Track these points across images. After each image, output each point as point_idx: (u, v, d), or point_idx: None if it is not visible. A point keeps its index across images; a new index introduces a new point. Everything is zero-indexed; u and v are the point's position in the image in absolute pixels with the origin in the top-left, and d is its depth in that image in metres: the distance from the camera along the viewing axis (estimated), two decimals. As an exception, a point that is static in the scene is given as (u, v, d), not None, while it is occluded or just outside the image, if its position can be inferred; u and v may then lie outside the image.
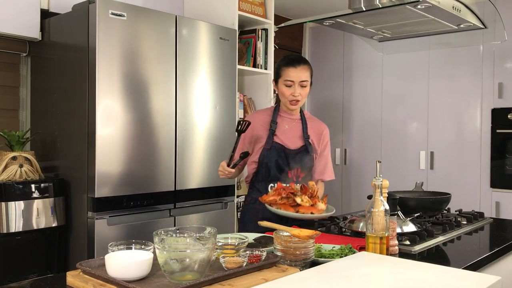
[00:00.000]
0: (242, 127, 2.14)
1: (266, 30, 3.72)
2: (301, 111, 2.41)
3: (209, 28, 3.13)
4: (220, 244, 1.46)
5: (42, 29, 2.90)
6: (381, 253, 1.56)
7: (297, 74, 2.24)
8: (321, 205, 2.03)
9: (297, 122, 2.37)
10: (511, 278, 1.99)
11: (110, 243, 1.42)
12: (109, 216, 2.59)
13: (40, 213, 2.57)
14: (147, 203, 2.76)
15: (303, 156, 2.28)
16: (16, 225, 2.48)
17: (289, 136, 2.31)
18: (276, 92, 2.36)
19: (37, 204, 2.56)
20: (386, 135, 4.66)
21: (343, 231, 2.01)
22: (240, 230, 2.35)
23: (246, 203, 2.38)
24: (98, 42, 2.53)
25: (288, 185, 2.15)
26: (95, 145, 2.53)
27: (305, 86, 2.27)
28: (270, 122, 2.32)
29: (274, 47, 3.82)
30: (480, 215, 2.43)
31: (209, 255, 1.28)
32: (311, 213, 1.97)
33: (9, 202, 2.46)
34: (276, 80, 2.33)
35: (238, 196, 3.65)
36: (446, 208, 2.45)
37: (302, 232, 1.50)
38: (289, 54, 2.39)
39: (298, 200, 2.00)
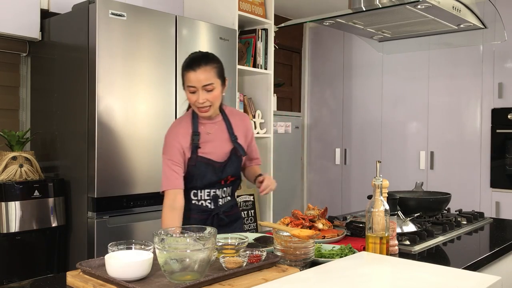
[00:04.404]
0: None
1: (266, 30, 3.72)
2: (221, 109, 2.10)
3: (209, 28, 3.13)
4: (220, 244, 1.46)
5: (42, 29, 2.89)
6: (381, 253, 1.56)
7: (197, 78, 1.91)
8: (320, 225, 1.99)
9: (220, 124, 2.09)
10: (511, 278, 1.99)
11: (110, 243, 1.42)
12: (109, 216, 2.59)
13: (40, 213, 2.57)
14: (147, 203, 2.76)
15: (233, 163, 2.08)
16: (16, 225, 2.48)
17: (215, 143, 2.05)
18: None
19: (37, 204, 2.56)
20: (386, 135, 4.66)
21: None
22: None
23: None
24: (98, 42, 2.53)
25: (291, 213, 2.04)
26: (95, 145, 2.53)
27: (211, 90, 1.94)
28: (191, 134, 2.02)
29: (274, 47, 3.82)
30: (480, 215, 2.43)
31: (209, 255, 1.28)
32: (324, 236, 1.85)
33: (9, 202, 2.46)
34: (183, 85, 2.00)
35: (238, 196, 3.65)
36: (446, 208, 2.45)
37: (302, 232, 1.50)
38: (192, 54, 2.02)
39: (320, 225, 1.95)
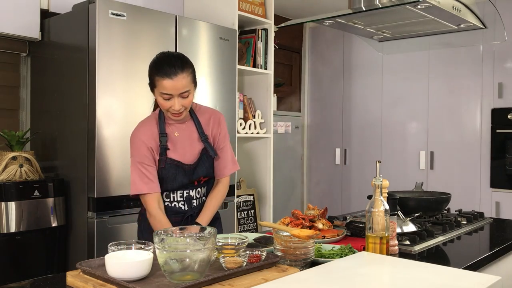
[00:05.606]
0: None
1: (266, 30, 3.72)
2: (190, 109, 2.02)
3: (209, 28, 3.13)
4: (220, 244, 1.46)
5: (42, 29, 2.89)
6: (381, 253, 1.56)
7: (175, 86, 1.81)
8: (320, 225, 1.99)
9: (188, 124, 2.01)
10: (511, 278, 1.99)
11: (110, 243, 1.42)
12: (109, 216, 2.59)
13: (40, 213, 2.57)
14: (147, 203, 2.76)
15: (204, 163, 2.00)
16: (16, 225, 2.48)
17: (184, 145, 1.98)
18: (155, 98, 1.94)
19: (37, 204, 2.56)
20: (386, 135, 4.66)
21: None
22: (139, 239, 2.03)
23: (142, 211, 2.08)
24: (98, 42, 2.53)
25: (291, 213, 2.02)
26: (95, 145, 2.53)
27: (186, 96, 1.86)
28: (159, 136, 1.95)
29: (274, 47, 3.82)
30: (480, 215, 2.43)
31: (209, 255, 1.28)
32: (324, 236, 1.85)
33: (9, 202, 2.46)
34: (151, 87, 1.90)
35: (238, 196, 3.65)
36: (446, 208, 2.45)
37: (302, 232, 1.50)
38: (162, 55, 1.90)
39: (320, 225, 1.95)
